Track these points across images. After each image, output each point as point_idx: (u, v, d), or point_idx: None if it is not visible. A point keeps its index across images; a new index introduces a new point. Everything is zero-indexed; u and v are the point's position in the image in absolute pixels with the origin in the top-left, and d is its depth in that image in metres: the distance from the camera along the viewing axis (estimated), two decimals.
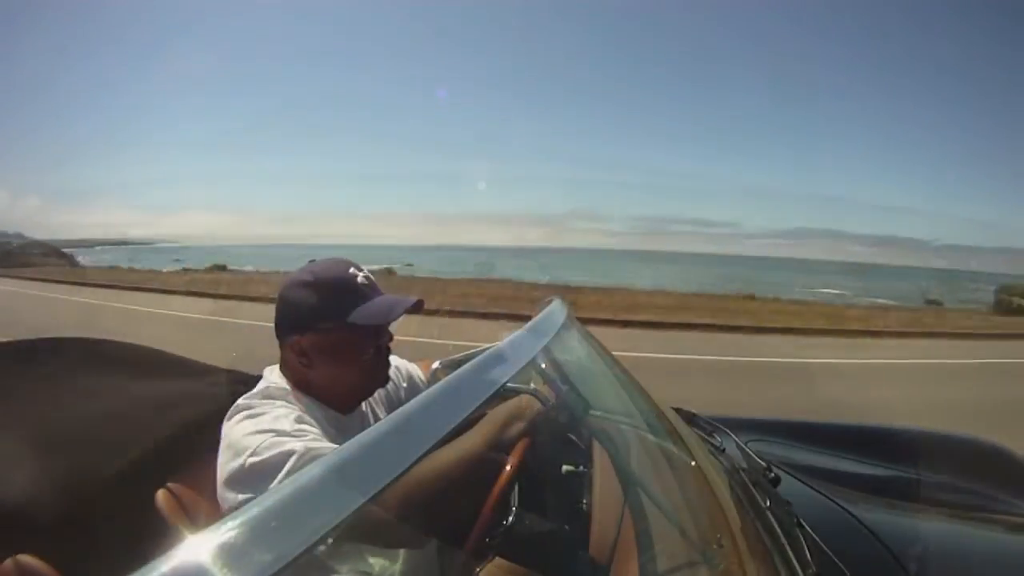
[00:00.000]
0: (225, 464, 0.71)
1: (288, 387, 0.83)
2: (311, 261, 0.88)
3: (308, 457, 0.67)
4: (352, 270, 0.85)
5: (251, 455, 0.68)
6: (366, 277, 0.86)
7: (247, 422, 0.74)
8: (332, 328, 0.82)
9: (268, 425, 0.72)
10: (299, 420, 0.75)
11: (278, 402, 0.79)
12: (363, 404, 0.93)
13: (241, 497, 0.68)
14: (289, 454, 0.67)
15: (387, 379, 0.92)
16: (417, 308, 0.88)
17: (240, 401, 0.80)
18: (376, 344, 0.86)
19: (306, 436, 0.71)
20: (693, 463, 0.91)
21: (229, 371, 1.20)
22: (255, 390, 0.83)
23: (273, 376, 0.85)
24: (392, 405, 1.00)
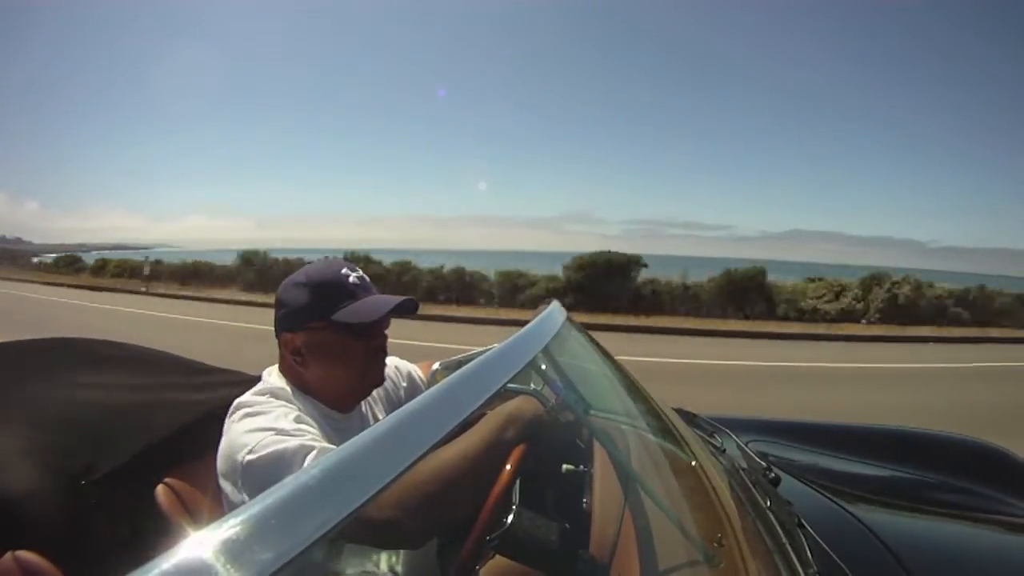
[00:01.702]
0: (225, 460, 0.72)
1: (287, 387, 0.84)
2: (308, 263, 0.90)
3: (306, 455, 0.68)
4: (344, 270, 0.87)
5: (250, 452, 0.69)
6: (359, 278, 0.87)
7: (248, 420, 0.75)
8: (322, 327, 0.83)
9: (268, 423, 0.73)
10: (299, 420, 0.76)
11: (279, 401, 0.80)
12: (362, 404, 0.93)
13: (240, 493, 0.69)
14: (288, 452, 0.68)
15: (383, 378, 0.93)
16: (409, 307, 0.87)
17: (241, 399, 0.81)
18: (368, 343, 0.86)
19: (305, 436, 0.72)
20: (693, 463, 0.91)
21: (229, 371, 1.21)
22: (256, 389, 0.84)
23: (272, 376, 0.86)
24: (392, 405, 1.01)
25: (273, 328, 0.87)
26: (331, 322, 0.82)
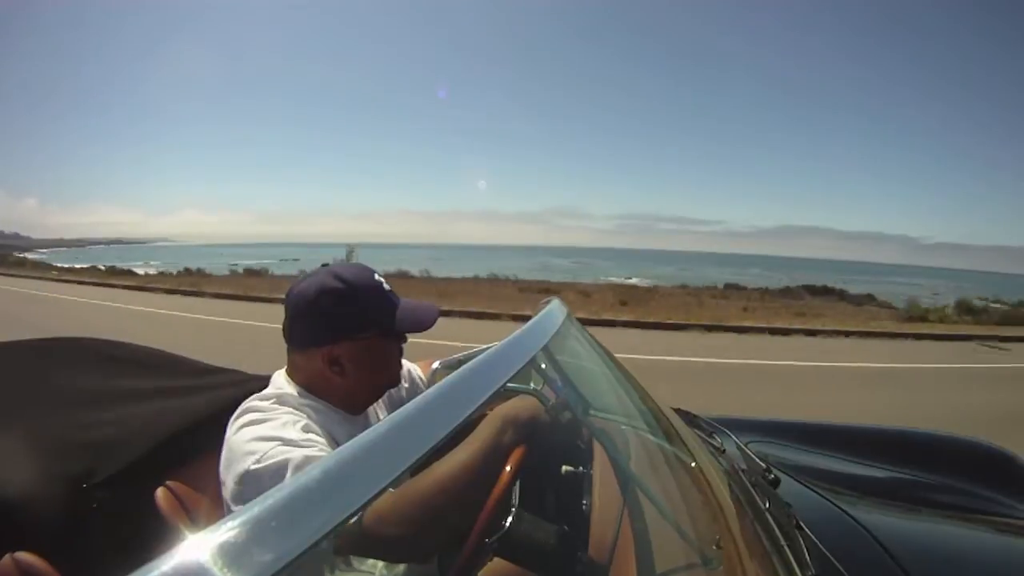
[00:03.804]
0: (229, 467, 0.71)
1: (295, 391, 0.82)
2: (324, 265, 0.86)
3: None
4: (377, 276, 0.86)
5: (255, 462, 0.68)
6: (387, 283, 0.87)
7: (254, 427, 0.73)
8: (373, 336, 0.82)
9: (274, 432, 0.72)
10: (306, 428, 0.75)
11: (286, 408, 0.78)
12: None
13: (243, 502, 0.68)
14: (294, 463, 0.67)
15: (400, 379, 0.93)
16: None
17: (248, 403, 0.79)
18: (399, 347, 0.88)
19: (312, 446, 0.71)
20: (693, 464, 0.91)
21: (230, 371, 1.21)
22: (263, 393, 0.82)
23: (280, 380, 0.85)
24: (394, 405, 1.00)
25: (293, 338, 0.83)
26: (389, 331, 0.83)
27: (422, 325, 0.85)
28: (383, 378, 0.89)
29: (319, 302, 0.80)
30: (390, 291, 0.86)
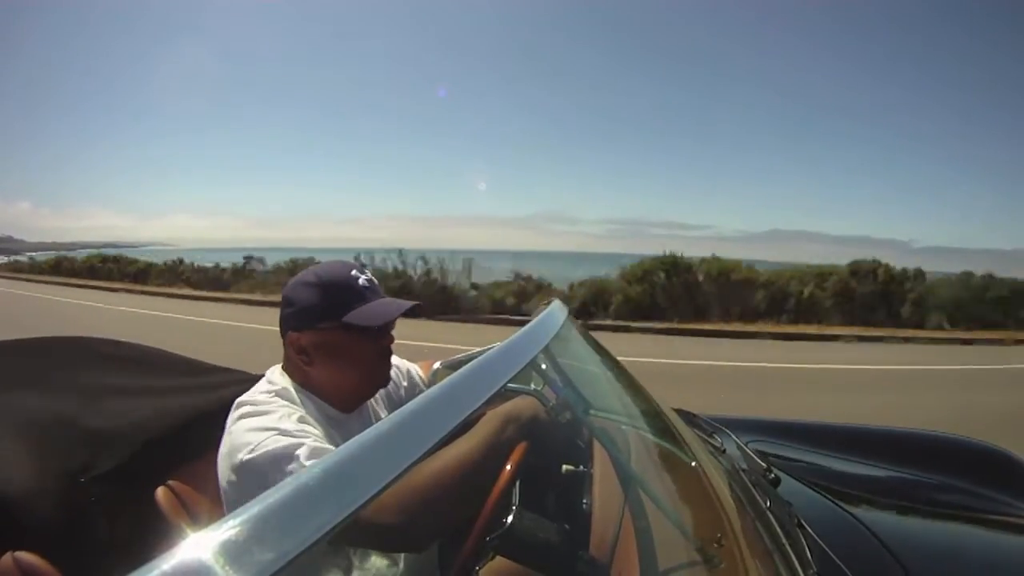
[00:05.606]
0: (226, 459, 0.72)
1: (291, 386, 0.83)
2: (316, 263, 0.90)
3: (307, 456, 0.67)
4: (354, 272, 0.87)
5: (251, 451, 0.69)
6: (368, 280, 0.87)
7: (250, 419, 0.75)
8: (331, 327, 0.83)
9: (271, 424, 0.73)
10: (302, 420, 0.76)
11: (282, 401, 0.80)
12: (365, 404, 0.93)
13: (241, 493, 0.69)
14: (290, 453, 0.68)
15: (388, 380, 0.93)
16: (415, 311, 0.89)
17: (244, 397, 0.81)
18: (377, 345, 0.87)
19: (308, 437, 0.72)
20: (693, 463, 0.91)
21: (230, 370, 1.21)
22: (258, 388, 0.83)
23: (275, 375, 0.86)
24: (393, 405, 1.01)
25: (279, 326, 0.87)
26: (342, 323, 0.82)
27: (370, 320, 0.83)
28: (356, 373, 0.87)
29: (292, 294, 0.85)
30: (366, 288, 0.86)
